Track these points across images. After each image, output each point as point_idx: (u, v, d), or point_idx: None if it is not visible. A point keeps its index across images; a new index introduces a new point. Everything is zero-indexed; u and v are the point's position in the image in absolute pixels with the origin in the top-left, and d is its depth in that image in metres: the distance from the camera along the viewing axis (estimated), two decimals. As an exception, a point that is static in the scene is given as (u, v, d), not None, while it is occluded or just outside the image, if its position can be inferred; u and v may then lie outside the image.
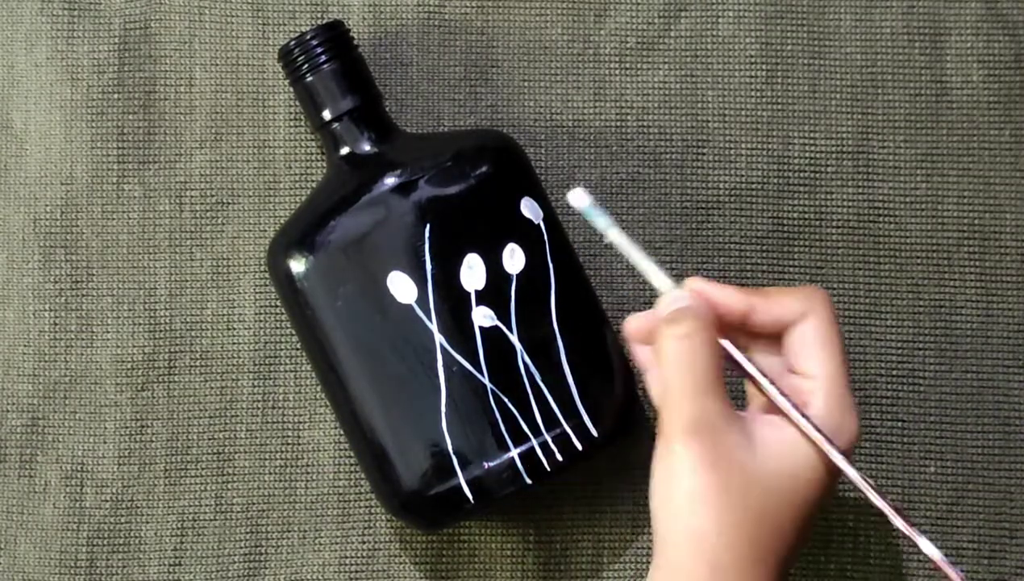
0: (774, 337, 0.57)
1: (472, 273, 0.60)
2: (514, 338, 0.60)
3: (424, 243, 0.60)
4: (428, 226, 0.60)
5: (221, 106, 0.69)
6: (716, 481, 0.52)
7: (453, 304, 0.60)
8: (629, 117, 0.69)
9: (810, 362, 0.56)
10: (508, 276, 0.60)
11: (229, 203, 0.69)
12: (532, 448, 0.60)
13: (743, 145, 0.69)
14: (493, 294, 0.60)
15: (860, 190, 0.68)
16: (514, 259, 0.61)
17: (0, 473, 0.68)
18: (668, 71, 0.69)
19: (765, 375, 0.56)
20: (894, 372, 0.68)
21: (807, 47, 0.69)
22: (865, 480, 0.55)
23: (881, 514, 0.55)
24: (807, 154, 0.69)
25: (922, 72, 0.69)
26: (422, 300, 0.60)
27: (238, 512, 0.67)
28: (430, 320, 0.60)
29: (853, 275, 0.68)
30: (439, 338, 0.60)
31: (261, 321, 0.68)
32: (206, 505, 0.67)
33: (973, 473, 0.67)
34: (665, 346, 0.55)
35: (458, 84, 0.69)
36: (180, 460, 0.68)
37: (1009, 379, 0.68)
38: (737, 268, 0.68)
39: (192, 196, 0.69)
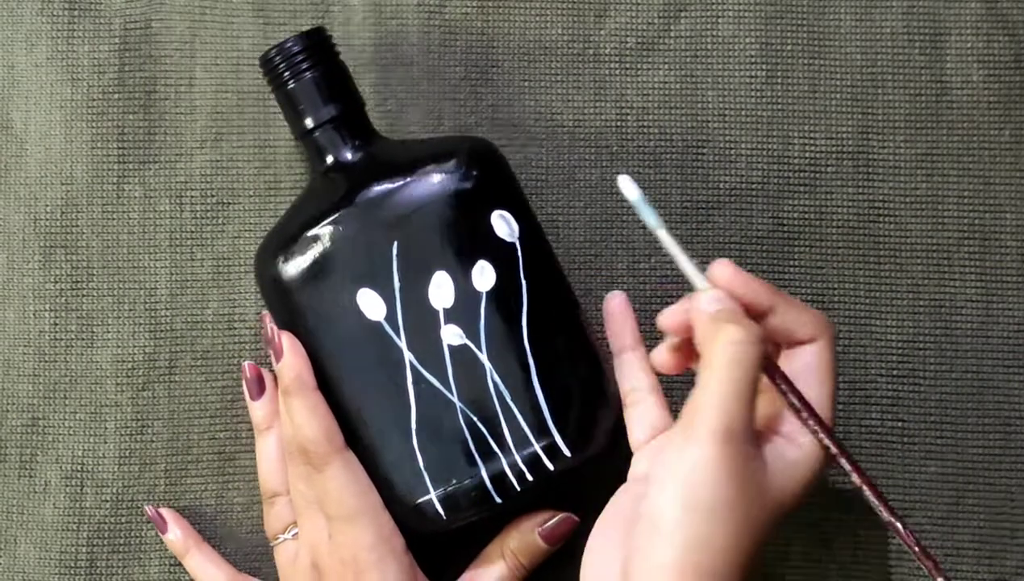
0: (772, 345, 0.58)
1: (440, 291, 0.59)
2: (483, 357, 0.59)
3: (392, 261, 0.59)
4: (396, 243, 0.59)
5: (222, 106, 0.69)
6: (736, 493, 0.53)
7: (422, 322, 0.59)
8: (629, 117, 0.69)
9: (811, 387, 0.57)
10: (478, 294, 0.59)
11: (230, 203, 0.69)
12: (501, 467, 0.59)
13: (743, 145, 0.69)
14: (462, 312, 0.59)
15: (860, 190, 0.69)
16: (484, 277, 0.59)
17: (0, 473, 0.68)
18: (668, 71, 0.69)
19: (799, 394, 0.56)
20: (894, 372, 0.68)
21: (807, 47, 0.69)
22: (890, 512, 0.56)
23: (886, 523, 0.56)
24: (807, 154, 0.69)
25: (922, 72, 0.69)
26: (391, 317, 0.59)
27: (239, 512, 0.67)
28: (399, 337, 0.59)
29: (853, 275, 0.68)
30: (408, 355, 0.59)
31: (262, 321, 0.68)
32: (207, 505, 0.67)
33: (974, 473, 0.67)
34: (718, 347, 0.54)
35: (459, 84, 0.69)
36: (181, 460, 0.68)
37: (1009, 379, 0.68)
38: (737, 268, 0.68)
39: (193, 196, 0.69)
